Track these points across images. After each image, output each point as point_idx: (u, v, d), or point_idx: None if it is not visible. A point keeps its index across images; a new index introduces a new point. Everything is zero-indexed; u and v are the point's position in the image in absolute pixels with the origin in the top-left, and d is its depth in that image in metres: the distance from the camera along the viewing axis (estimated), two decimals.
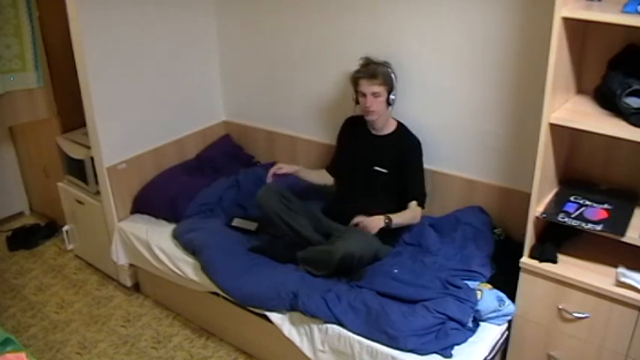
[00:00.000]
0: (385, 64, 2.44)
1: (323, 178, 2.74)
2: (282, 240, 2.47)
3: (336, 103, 2.87)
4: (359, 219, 2.39)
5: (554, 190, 2.15)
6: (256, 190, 2.50)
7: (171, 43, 3.02)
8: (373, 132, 2.55)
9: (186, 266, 2.59)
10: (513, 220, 2.39)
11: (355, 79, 2.45)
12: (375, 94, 2.40)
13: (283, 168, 2.56)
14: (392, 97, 2.42)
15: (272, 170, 2.56)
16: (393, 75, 2.43)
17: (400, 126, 2.55)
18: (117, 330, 2.83)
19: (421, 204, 2.51)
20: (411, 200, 2.48)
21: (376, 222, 2.35)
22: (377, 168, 2.51)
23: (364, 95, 2.42)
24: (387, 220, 2.37)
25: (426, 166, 2.57)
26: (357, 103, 2.50)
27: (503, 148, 2.44)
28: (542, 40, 2.00)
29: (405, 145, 2.51)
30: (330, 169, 2.76)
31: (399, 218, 2.42)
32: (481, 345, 2.02)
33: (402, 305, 2.07)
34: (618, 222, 1.90)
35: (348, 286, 2.24)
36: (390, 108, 2.48)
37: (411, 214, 2.47)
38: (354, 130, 2.62)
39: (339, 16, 2.72)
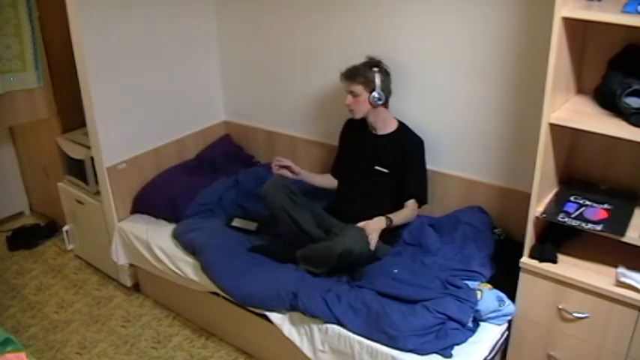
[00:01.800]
0: (375, 64, 2.46)
1: (327, 181, 2.75)
2: (282, 239, 2.47)
3: (337, 103, 2.87)
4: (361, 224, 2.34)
5: (555, 190, 2.15)
6: (257, 190, 2.51)
7: (171, 43, 3.02)
8: (373, 132, 2.56)
9: (186, 266, 2.59)
10: (513, 220, 2.39)
11: (340, 78, 2.51)
12: (353, 94, 2.45)
13: (283, 160, 2.57)
14: (374, 95, 2.43)
15: (274, 163, 2.57)
16: (378, 75, 2.43)
17: (401, 125, 2.56)
18: (117, 330, 2.83)
19: (420, 202, 2.52)
20: (409, 199, 2.49)
21: (377, 224, 2.34)
22: (378, 168, 2.52)
23: (346, 94, 2.49)
24: (388, 222, 2.37)
25: (426, 165, 2.57)
26: None
27: (503, 148, 2.44)
28: (542, 40, 2.00)
29: (405, 145, 2.52)
30: (335, 173, 2.76)
31: (398, 217, 2.43)
32: (481, 345, 2.02)
33: (402, 305, 2.07)
34: (618, 222, 1.90)
35: (348, 286, 2.24)
36: (380, 107, 2.48)
37: (409, 212, 2.48)
38: (355, 131, 2.64)
39: (340, 16, 2.72)
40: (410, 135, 2.54)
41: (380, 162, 2.52)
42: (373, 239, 2.26)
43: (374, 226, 2.31)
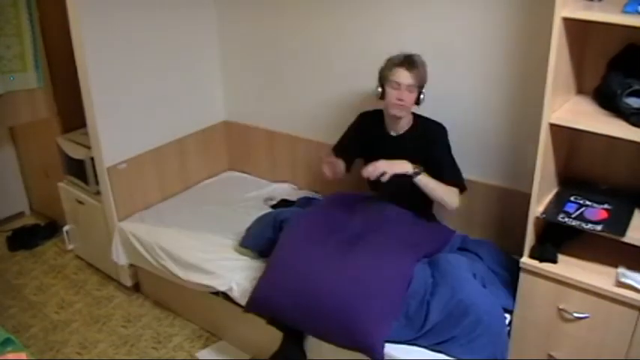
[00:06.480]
0: (423, 62, 2.26)
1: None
2: None
3: (337, 102, 2.87)
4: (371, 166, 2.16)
5: (555, 190, 2.15)
6: None
7: (171, 43, 3.02)
8: (392, 133, 2.36)
9: (185, 267, 2.59)
10: (513, 220, 2.38)
11: (391, 67, 2.21)
12: (410, 88, 2.19)
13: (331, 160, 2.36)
14: (422, 96, 2.25)
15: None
16: (425, 70, 2.25)
17: (417, 119, 2.35)
18: (117, 330, 2.83)
19: (460, 189, 2.30)
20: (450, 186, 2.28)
21: (397, 165, 2.16)
22: None
23: (398, 86, 2.19)
24: (415, 169, 2.17)
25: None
26: (382, 97, 2.27)
27: (504, 148, 2.44)
28: (542, 41, 1.99)
29: (425, 138, 2.31)
30: (339, 152, 2.47)
31: (432, 183, 2.20)
32: None
33: None
34: (618, 222, 1.90)
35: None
36: (416, 107, 2.31)
37: (446, 190, 2.24)
38: (371, 130, 2.42)
39: (339, 16, 2.72)
40: (428, 126, 2.34)
41: None
42: (371, 169, 2.15)
43: (393, 167, 2.16)
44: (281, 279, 2.20)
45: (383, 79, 2.27)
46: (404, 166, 2.18)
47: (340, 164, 2.38)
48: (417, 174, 2.19)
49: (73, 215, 3.26)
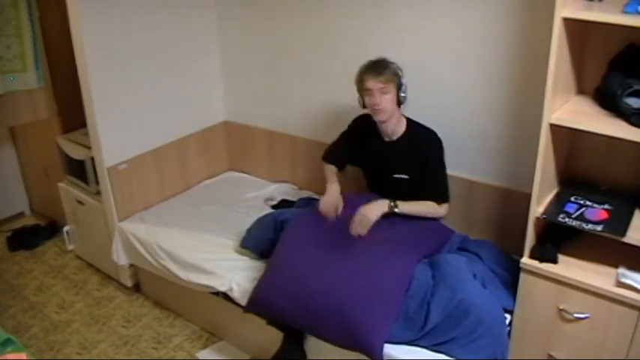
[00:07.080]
0: (392, 62, 2.30)
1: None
2: None
3: (337, 102, 2.87)
4: (354, 224, 2.24)
5: (555, 191, 2.15)
6: None
7: (171, 43, 3.02)
8: (386, 139, 2.38)
9: (186, 267, 2.59)
10: (513, 220, 2.38)
11: (360, 76, 2.26)
12: (383, 90, 2.21)
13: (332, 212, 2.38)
14: (402, 94, 2.25)
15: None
16: (399, 71, 2.27)
17: (411, 124, 2.38)
18: (117, 330, 2.83)
19: (439, 202, 2.35)
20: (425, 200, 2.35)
21: (376, 208, 2.23)
22: (397, 175, 2.39)
23: (371, 92, 2.23)
24: (391, 205, 2.24)
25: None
26: (364, 106, 2.32)
27: (504, 148, 2.44)
28: (542, 41, 1.99)
29: (420, 146, 2.34)
30: (331, 159, 2.57)
31: (407, 207, 2.29)
32: None
33: None
34: (619, 222, 1.90)
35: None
36: (401, 107, 2.32)
37: (423, 207, 2.33)
38: (365, 138, 2.44)
39: (340, 16, 2.72)
40: (423, 133, 2.36)
41: (397, 170, 2.38)
42: (359, 228, 2.21)
43: (369, 214, 2.20)
44: (281, 279, 2.21)
45: (359, 90, 2.32)
46: (382, 207, 2.25)
47: (339, 205, 2.40)
48: (393, 208, 2.27)
49: (73, 215, 3.26)
